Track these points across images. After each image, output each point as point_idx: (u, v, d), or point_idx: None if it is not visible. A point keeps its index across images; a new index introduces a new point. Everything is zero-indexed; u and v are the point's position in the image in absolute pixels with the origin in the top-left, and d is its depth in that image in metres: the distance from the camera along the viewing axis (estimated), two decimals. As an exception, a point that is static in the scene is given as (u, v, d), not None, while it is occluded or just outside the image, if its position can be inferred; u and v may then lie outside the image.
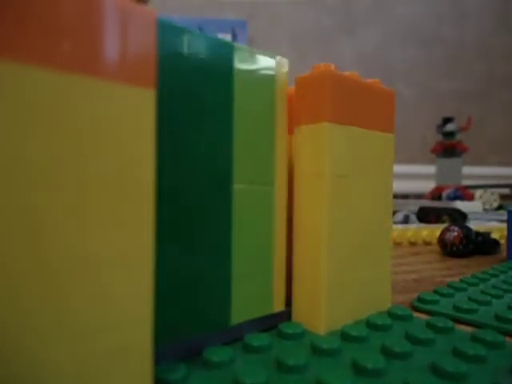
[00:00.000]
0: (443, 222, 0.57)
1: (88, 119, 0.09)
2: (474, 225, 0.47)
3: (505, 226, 0.41)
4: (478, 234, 0.38)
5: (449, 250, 0.37)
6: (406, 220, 0.59)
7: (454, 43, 1.20)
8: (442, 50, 1.19)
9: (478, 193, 0.79)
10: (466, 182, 0.70)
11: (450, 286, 0.24)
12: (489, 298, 0.21)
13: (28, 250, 0.08)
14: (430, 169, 0.73)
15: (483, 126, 1.19)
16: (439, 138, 0.69)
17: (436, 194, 0.67)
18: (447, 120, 0.68)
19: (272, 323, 0.16)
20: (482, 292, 0.23)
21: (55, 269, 0.09)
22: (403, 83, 1.16)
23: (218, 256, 0.14)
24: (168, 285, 0.13)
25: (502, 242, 0.41)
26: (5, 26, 0.08)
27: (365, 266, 0.17)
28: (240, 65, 0.15)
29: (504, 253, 0.38)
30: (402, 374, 0.13)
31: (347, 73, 0.17)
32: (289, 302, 0.17)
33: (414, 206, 0.64)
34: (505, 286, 0.24)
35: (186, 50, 0.13)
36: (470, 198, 0.65)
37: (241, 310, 0.15)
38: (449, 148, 0.67)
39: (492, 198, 0.80)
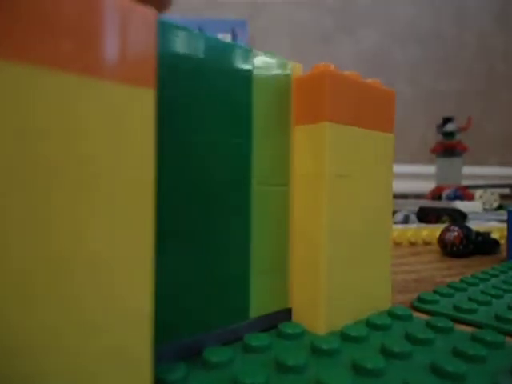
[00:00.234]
0: (443, 222, 0.57)
1: (87, 119, 0.09)
2: (473, 225, 0.47)
3: (505, 225, 0.41)
4: (478, 233, 0.38)
5: (449, 250, 0.37)
6: (406, 220, 0.59)
7: (454, 43, 1.20)
8: (441, 50, 1.19)
9: (478, 193, 0.79)
10: (465, 182, 0.70)
11: (450, 286, 0.24)
12: (489, 298, 0.21)
13: (30, 248, 0.08)
14: (430, 169, 0.72)
15: (483, 126, 1.19)
16: (439, 138, 0.69)
17: (436, 194, 0.67)
18: (447, 120, 0.68)
19: (281, 320, 0.16)
20: (482, 292, 0.23)
21: (54, 268, 0.09)
22: (403, 83, 1.16)
23: (236, 255, 0.15)
24: (187, 285, 0.13)
25: (502, 242, 0.41)
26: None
27: (365, 266, 0.17)
28: (258, 70, 0.15)
29: (504, 253, 0.38)
30: (401, 374, 0.13)
31: (347, 73, 0.17)
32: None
33: (413, 206, 0.64)
34: (505, 286, 0.24)
35: (197, 53, 0.13)
36: (470, 198, 0.65)
37: (257, 306, 0.16)
38: (449, 148, 0.67)
39: (492, 197, 0.80)
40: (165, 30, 0.12)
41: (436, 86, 1.19)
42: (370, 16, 1.15)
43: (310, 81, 0.16)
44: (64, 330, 0.09)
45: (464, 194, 0.65)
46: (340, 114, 0.16)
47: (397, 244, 0.44)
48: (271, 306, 0.16)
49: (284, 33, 1.10)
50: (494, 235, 0.42)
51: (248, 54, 0.15)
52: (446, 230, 0.38)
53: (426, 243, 0.45)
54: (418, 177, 1.00)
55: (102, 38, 0.09)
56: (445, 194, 0.64)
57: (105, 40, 0.09)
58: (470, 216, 0.57)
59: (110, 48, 0.10)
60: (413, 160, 1.10)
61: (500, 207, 0.78)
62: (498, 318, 0.18)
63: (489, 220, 0.58)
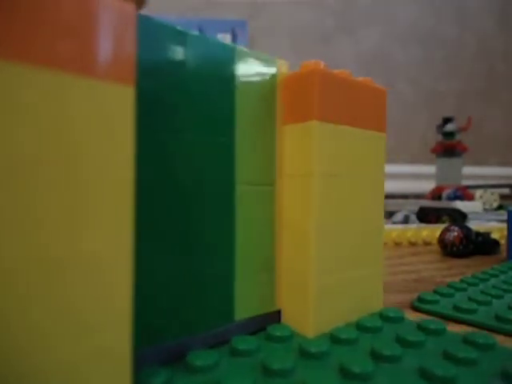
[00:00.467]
0: (443, 222, 0.57)
1: (73, 118, 0.09)
2: (473, 225, 0.47)
3: (505, 225, 0.40)
4: (478, 234, 0.38)
5: (449, 250, 0.37)
6: (406, 220, 0.59)
7: (454, 43, 1.20)
8: (442, 50, 1.19)
9: (478, 193, 0.79)
10: (465, 182, 0.69)
11: (450, 286, 0.24)
12: (489, 298, 0.21)
13: (20, 248, 0.08)
14: (430, 169, 0.72)
15: (483, 126, 1.18)
16: (439, 138, 0.69)
17: (436, 194, 0.66)
18: (447, 120, 0.68)
19: (270, 322, 0.16)
20: (482, 292, 0.23)
21: (46, 268, 0.09)
22: (403, 83, 1.16)
23: (221, 256, 0.15)
24: (169, 286, 0.13)
25: (502, 242, 0.41)
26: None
27: (356, 267, 0.17)
28: (241, 67, 0.15)
29: (504, 253, 0.38)
30: (389, 378, 0.12)
31: (337, 71, 0.17)
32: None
33: (414, 205, 0.64)
34: (505, 286, 0.24)
35: (177, 49, 0.13)
36: (470, 198, 0.65)
37: (243, 308, 0.15)
38: (449, 148, 0.66)
39: (492, 197, 0.79)
40: (144, 26, 0.12)
41: (436, 86, 1.18)
42: (371, 16, 1.14)
43: (299, 79, 0.16)
44: (57, 330, 0.09)
45: (464, 194, 0.64)
46: (329, 112, 0.16)
47: (397, 244, 0.44)
48: (258, 308, 0.16)
49: (284, 33, 1.10)
50: (494, 235, 0.42)
51: (231, 51, 0.15)
52: (446, 230, 0.38)
53: (426, 243, 0.45)
54: (418, 177, 0.99)
55: (77, 34, 0.09)
56: (445, 194, 0.64)
57: (81, 35, 0.09)
58: (470, 216, 0.56)
59: (87, 43, 0.09)
60: (413, 160, 1.10)
61: (500, 207, 0.78)
62: (498, 318, 0.18)
63: (489, 220, 0.58)
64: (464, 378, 0.12)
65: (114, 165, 0.10)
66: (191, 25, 0.90)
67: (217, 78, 0.14)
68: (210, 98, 0.14)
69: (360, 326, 0.16)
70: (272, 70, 0.16)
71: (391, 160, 1.00)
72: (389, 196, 0.73)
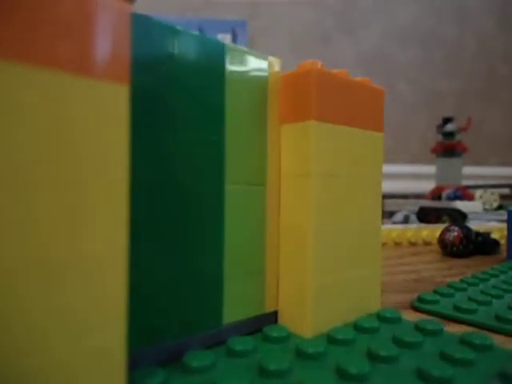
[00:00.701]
0: (443, 222, 0.57)
1: (64, 116, 0.09)
2: (473, 225, 0.47)
3: (505, 225, 0.40)
4: (478, 234, 0.38)
5: (449, 250, 0.37)
6: (406, 220, 0.59)
7: (454, 43, 1.20)
8: (442, 50, 1.19)
9: (478, 193, 0.79)
10: (465, 182, 0.69)
11: (450, 286, 0.24)
12: (489, 298, 0.21)
13: (20, 248, 0.08)
14: (430, 169, 0.72)
15: (483, 125, 1.18)
16: (439, 138, 0.68)
17: (436, 194, 0.66)
18: (447, 120, 0.68)
19: (264, 324, 0.16)
20: (482, 292, 0.23)
21: (46, 268, 0.09)
22: (403, 83, 1.16)
23: (210, 256, 0.14)
24: (156, 286, 0.13)
25: (502, 242, 0.41)
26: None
27: (354, 267, 0.17)
28: (231, 64, 0.15)
29: (504, 253, 0.38)
30: (386, 379, 0.12)
31: (335, 70, 0.16)
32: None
33: (413, 206, 0.63)
34: (505, 286, 0.24)
35: (168, 47, 0.13)
36: (470, 198, 0.65)
37: (232, 310, 0.15)
38: (449, 148, 0.66)
39: (492, 197, 0.79)
40: (136, 23, 0.12)
41: (436, 86, 1.18)
42: (371, 16, 1.14)
43: (296, 79, 0.16)
44: (56, 330, 0.09)
45: (464, 194, 0.64)
46: (327, 112, 0.16)
47: (397, 244, 0.44)
48: (249, 310, 0.16)
49: (284, 33, 1.10)
50: (494, 235, 0.42)
51: (222, 49, 0.15)
52: (446, 230, 0.37)
53: (426, 243, 0.45)
54: (418, 177, 0.99)
55: (72, 32, 0.09)
56: (445, 194, 0.64)
57: (75, 34, 0.09)
58: (470, 216, 0.56)
59: (89, 43, 0.09)
60: (413, 160, 1.10)
61: (500, 207, 0.77)
62: (498, 318, 0.18)
63: (489, 220, 0.58)
64: (461, 378, 0.12)
65: (110, 164, 0.10)
66: (191, 25, 0.90)
67: (206, 74, 0.14)
68: (199, 95, 0.14)
69: (357, 327, 0.16)
70: (263, 68, 0.16)
71: (391, 160, 1.00)
72: (389, 196, 0.73)
